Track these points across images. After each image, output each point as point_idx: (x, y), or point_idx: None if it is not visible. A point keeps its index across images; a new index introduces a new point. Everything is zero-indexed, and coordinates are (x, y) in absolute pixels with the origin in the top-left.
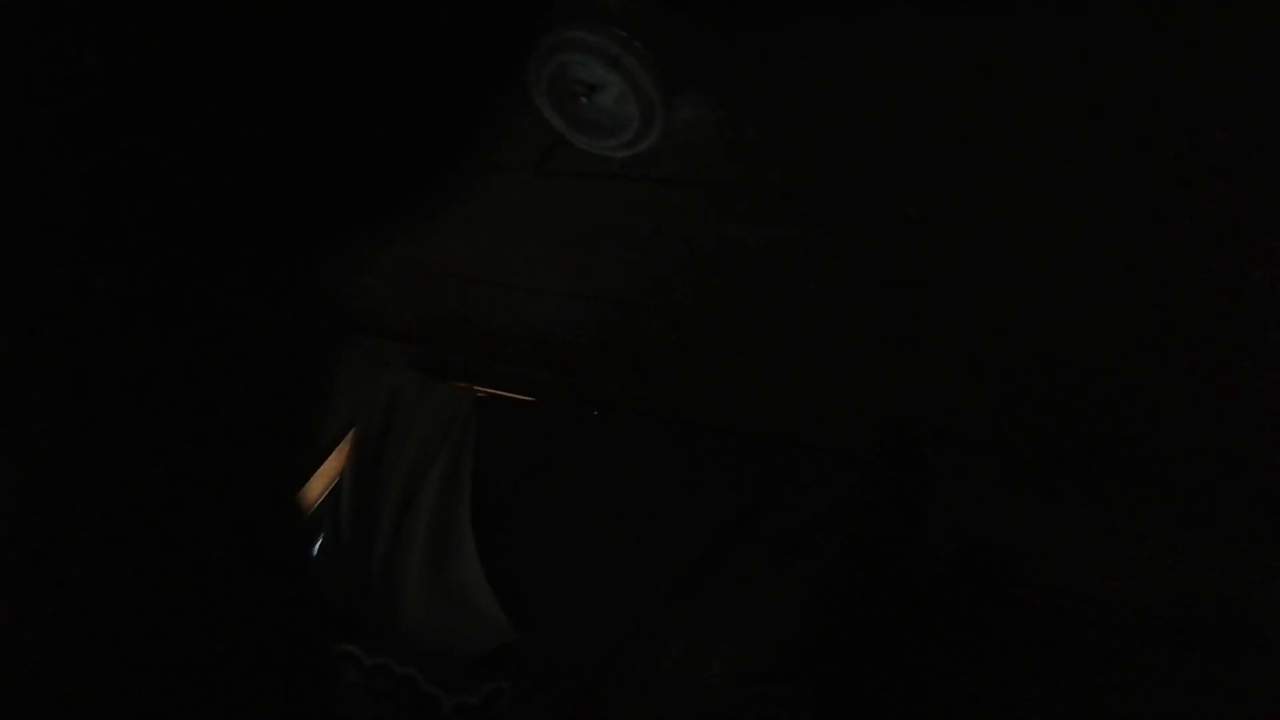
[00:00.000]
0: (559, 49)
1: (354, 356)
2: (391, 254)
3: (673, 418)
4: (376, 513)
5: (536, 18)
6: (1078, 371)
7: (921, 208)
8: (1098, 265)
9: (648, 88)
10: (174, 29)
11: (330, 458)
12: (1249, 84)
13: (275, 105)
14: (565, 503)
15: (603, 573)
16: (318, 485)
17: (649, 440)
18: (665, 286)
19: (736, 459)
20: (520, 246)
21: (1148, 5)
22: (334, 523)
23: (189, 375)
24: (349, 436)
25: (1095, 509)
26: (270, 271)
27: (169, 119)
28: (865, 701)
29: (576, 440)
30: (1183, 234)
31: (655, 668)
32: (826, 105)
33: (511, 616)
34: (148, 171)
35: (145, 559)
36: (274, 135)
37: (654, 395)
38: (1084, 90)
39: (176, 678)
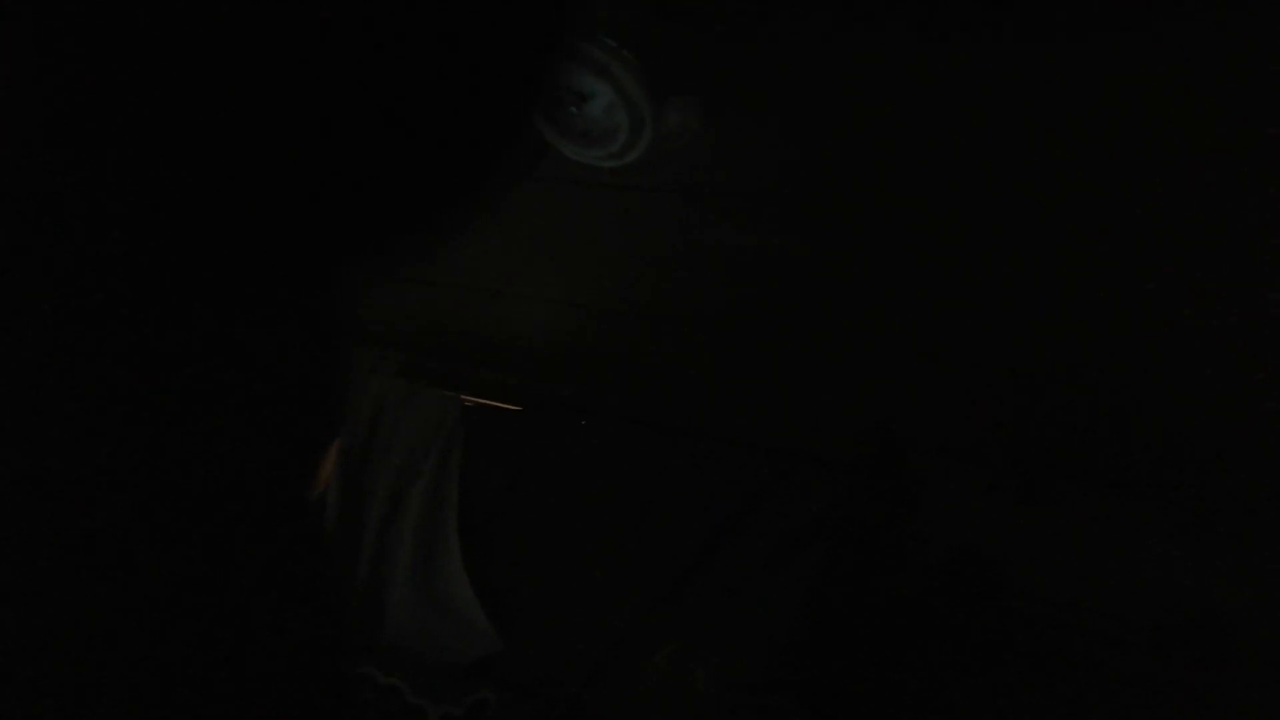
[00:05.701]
0: None
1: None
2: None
3: (659, 425)
4: (361, 521)
5: (564, 38)
6: (1066, 381)
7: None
8: (1086, 274)
9: (637, 97)
10: (198, 43)
11: None
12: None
13: (300, 117)
14: (551, 511)
15: (589, 581)
16: None
17: (635, 448)
18: (652, 294)
19: (723, 467)
20: (507, 254)
21: (1129, 25)
22: None
23: (209, 383)
24: (334, 444)
25: (1082, 518)
26: (289, 285)
27: (188, 133)
28: (852, 710)
29: (563, 448)
30: (1171, 245)
31: (641, 677)
32: (813, 114)
33: (497, 626)
34: (168, 183)
35: (156, 567)
36: (298, 149)
37: (640, 403)
38: (1071, 105)
39: (184, 685)
